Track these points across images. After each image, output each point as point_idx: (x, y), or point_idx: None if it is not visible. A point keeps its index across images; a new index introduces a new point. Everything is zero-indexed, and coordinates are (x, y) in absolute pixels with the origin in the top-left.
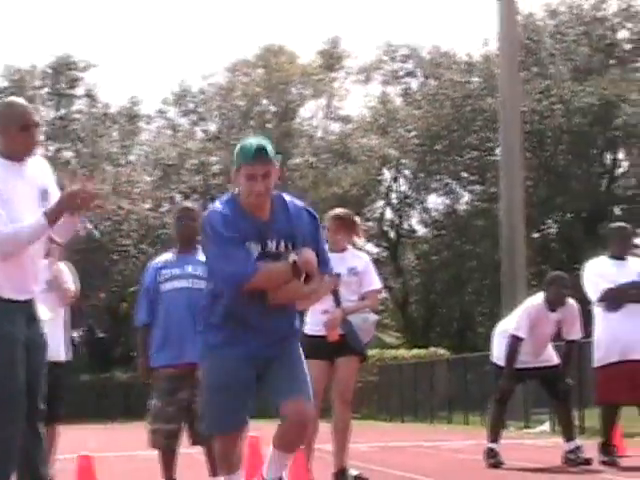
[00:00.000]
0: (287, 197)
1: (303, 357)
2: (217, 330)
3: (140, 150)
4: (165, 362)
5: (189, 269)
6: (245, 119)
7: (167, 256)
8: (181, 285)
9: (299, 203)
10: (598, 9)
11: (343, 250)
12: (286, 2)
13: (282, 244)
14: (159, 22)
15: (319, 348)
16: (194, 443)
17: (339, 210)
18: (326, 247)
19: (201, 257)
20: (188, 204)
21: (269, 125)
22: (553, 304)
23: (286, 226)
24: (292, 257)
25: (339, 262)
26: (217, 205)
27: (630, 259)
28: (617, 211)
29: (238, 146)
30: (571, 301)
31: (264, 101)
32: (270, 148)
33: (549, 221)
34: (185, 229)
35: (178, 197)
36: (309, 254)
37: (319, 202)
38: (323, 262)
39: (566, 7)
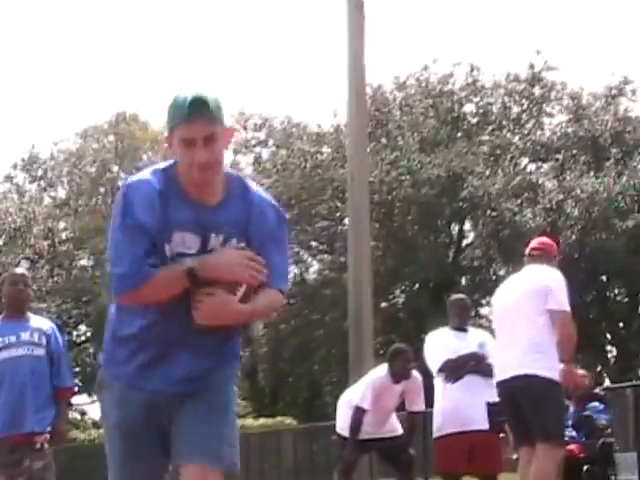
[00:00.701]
0: (252, 184)
1: (235, 393)
2: (122, 350)
3: None
4: (5, 433)
5: (25, 336)
6: (95, 185)
7: None
8: (18, 353)
9: (266, 196)
10: (445, 83)
11: None
12: (138, 69)
13: (232, 242)
14: (7, 88)
15: None
16: None
17: None
18: (288, 260)
19: (33, 323)
20: (20, 270)
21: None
22: (397, 377)
23: (240, 219)
24: (189, 261)
25: None
26: (144, 174)
27: (470, 330)
28: (463, 281)
29: (170, 101)
30: (415, 373)
31: (115, 168)
32: (215, 102)
33: (397, 291)
34: (18, 293)
35: (24, 262)
36: (227, 257)
37: None
38: (275, 275)
39: (414, 80)
